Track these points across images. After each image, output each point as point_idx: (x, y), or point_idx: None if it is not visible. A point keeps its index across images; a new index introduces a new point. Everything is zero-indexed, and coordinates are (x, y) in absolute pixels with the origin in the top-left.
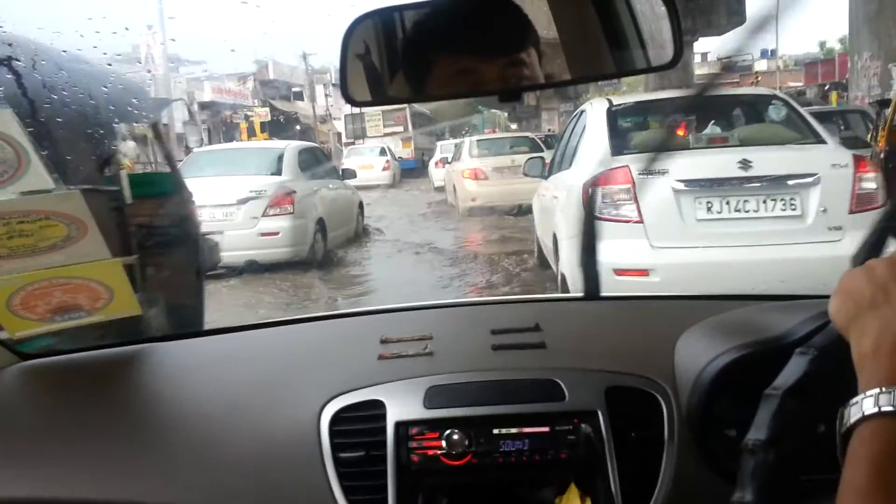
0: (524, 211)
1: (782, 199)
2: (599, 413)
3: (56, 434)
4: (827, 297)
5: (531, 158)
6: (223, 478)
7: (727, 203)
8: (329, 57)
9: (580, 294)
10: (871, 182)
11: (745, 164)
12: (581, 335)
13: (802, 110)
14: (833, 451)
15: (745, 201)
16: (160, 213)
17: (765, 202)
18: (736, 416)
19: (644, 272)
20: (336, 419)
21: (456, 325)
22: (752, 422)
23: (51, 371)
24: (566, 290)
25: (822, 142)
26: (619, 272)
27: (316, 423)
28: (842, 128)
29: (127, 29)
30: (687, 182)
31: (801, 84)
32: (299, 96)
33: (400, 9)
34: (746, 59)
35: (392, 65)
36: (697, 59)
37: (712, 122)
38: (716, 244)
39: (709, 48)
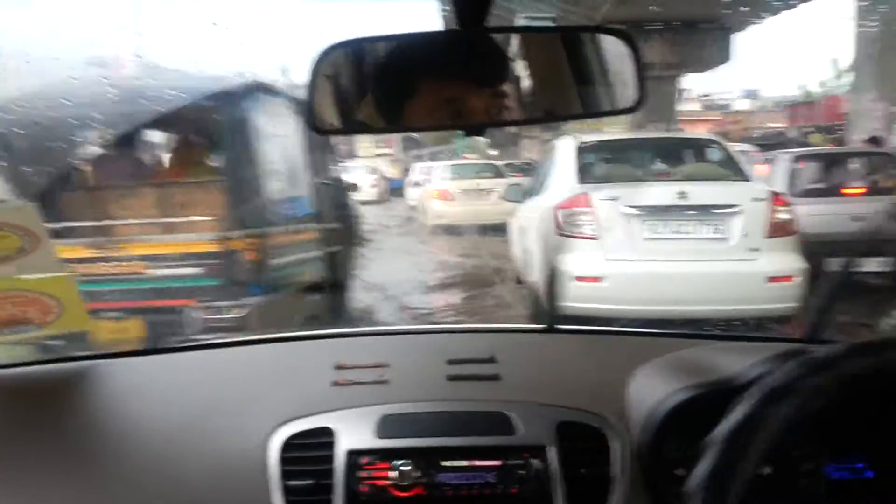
0: (485, 231)
1: (711, 225)
2: (550, 448)
3: None
4: (775, 340)
5: (511, 185)
6: (167, 500)
7: (667, 226)
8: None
9: (539, 326)
10: (786, 213)
11: (683, 194)
12: (536, 368)
13: (734, 153)
14: (780, 491)
15: (682, 225)
16: None
17: (697, 226)
18: (685, 456)
19: (598, 279)
20: (286, 446)
21: (413, 353)
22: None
23: None
24: (536, 301)
25: (747, 179)
26: (579, 279)
27: (265, 449)
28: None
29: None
30: (637, 207)
31: (781, 125)
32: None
33: (375, 39)
34: (727, 97)
35: (365, 94)
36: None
37: (659, 159)
38: (657, 259)
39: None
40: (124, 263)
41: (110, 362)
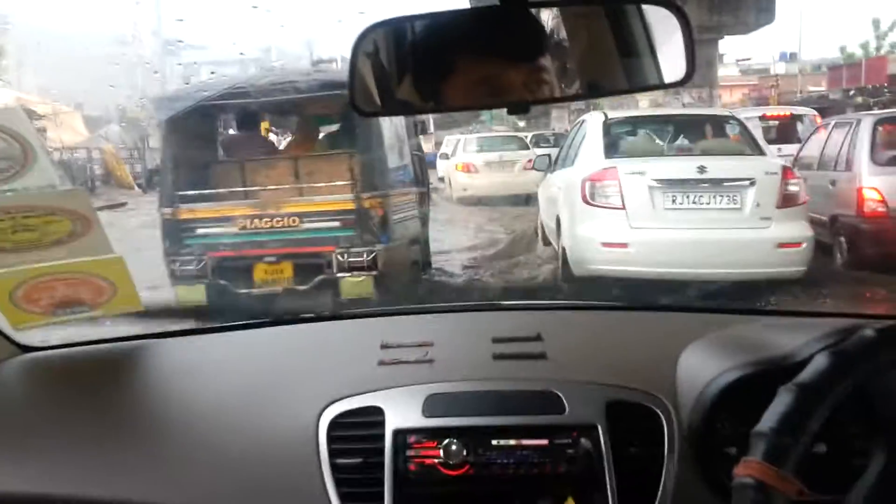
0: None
1: (727, 196)
2: (599, 427)
3: (49, 429)
4: (829, 314)
5: (540, 156)
6: (217, 478)
7: (687, 197)
8: (337, 48)
9: (585, 303)
10: (795, 186)
11: (702, 168)
12: (583, 346)
13: (750, 128)
14: (834, 469)
15: (700, 196)
16: None
17: (714, 197)
18: (737, 435)
19: (624, 245)
20: (334, 424)
21: (457, 332)
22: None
23: (51, 365)
24: (567, 265)
25: (762, 154)
26: (606, 244)
27: (314, 427)
28: None
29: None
30: (659, 181)
31: (822, 89)
32: None
33: (414, 18)
34: (766, 62)
35: (405, 73)
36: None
37: (681, 135)
38: (678, 227)
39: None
40: (281, 219)
41: (161, 342)
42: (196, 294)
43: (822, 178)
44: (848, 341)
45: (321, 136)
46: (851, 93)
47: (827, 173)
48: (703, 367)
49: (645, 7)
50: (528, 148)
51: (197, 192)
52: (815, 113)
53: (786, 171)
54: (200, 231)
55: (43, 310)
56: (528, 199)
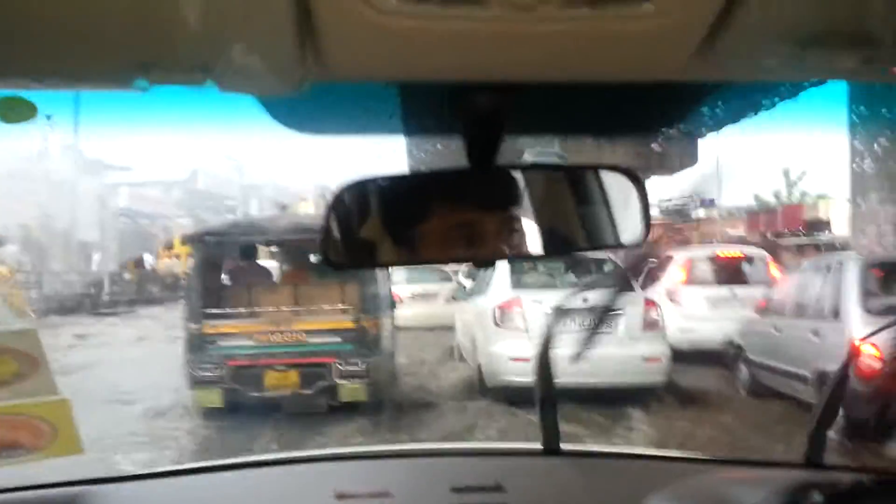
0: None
1: (605, 322)
2: None
3: None
4: (785, 465)
5: (460, 288)
6: None
7: (575, 321)
8: (266, 172)
9: (540, 447)
10: (655, 314)
11: (585, 300)
12: (545, 497)
13: (622, 267)
14: None
15: (585, 321)
16: None
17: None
18: None
19: (528, 359)
20: None
21: (415, 480)
22: None
23: None
24: (482, 377)
25: (631, 289)
26: (513, 359)
27: None
28: None
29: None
30: (554, 308)
31: (740, 232)
32: (231, 210)
33: (389, 178)
34: (684, 203)
35: (378, 229)
36: None
37: (571, 271)
38: (568, 345)
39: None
40: (291, 334)
41: (103, 488)
42: (213, 396)
43: (800, 327)
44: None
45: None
46: (769, 236)
47: (806, 322)
48: None
49: (604, 172)
50: (450, 280)
51: (219, 310)
52: (768, 255)
53: (647, 302)
54: (221, 343)
55: None
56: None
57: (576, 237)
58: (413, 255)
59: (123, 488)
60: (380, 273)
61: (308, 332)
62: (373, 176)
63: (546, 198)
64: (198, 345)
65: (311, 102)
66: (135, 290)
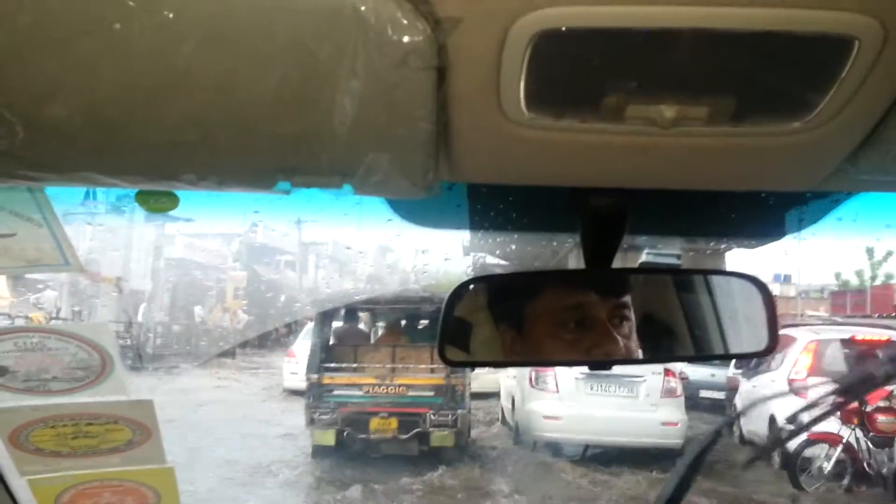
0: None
1: (627, 388)
2: None
3: None
4: None
5: None
6: None
7: (601, 386)
8: (327, 229)
9: None
10: (674, 383)
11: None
12: None
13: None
14: None
15: (609, 386)
16: None
17: (619, 388)
18: None
19: (559, 418)
20: None
21: None
22: None
23: None
24: (518, 432)
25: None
26: (546, 417)
27: None
28: None
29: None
30: (582, 373)
31: (821, 313)
32: (291, 265)
33: (505, 276)
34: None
35: (493, 327)
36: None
37: None
38: (594, 406)
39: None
40: (392, 387)
41: None
42: (328, 437)
43: None
44: None
45: (406, 326)
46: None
47: None
48: None
49: (725, 277)
50: None
51: (335, 364)
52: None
53: (667, 372)
54: (336, 392)
55: None
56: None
57: (702, 342)
58: (527, 349)
59: None
60: None
61: (407, 386)
62: (489, 275)
63: (666, 301)
64: (317, 393)
65: (433, 200)
66: (182, 343)
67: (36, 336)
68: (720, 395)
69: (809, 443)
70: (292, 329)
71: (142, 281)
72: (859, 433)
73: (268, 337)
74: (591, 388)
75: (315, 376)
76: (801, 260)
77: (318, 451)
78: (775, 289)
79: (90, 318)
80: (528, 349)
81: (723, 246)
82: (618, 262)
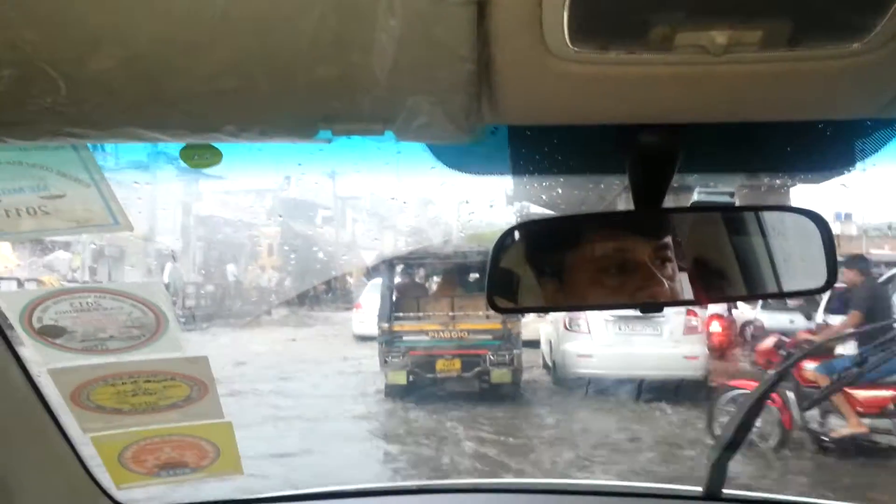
0: None
1: (652, 327)
2: None
3: None
4: None
5: None
6: None
7: (628, 326)
8: (360, 181)
9: (699, 490)
10: (694, 322)
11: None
12: None
13: None
14: None
15: (636, 326)
16: None
17: (644, 327)
18: None
19: (590, 356)
20: None
21: None
22: None
23: None
24: (555, 370)
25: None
26: (578, 356)
27: None
28: None
29: None
30: (612, 316)
31: (889, 252)
32: (328, 220)
33: (551, 220)
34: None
35: (542, 272)
36: None
37: None
38: (622, 344)
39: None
40: (454, 332)
41: None
42: (400, 378)
43: None
44: None
45: (459, 277)
46: None
47: None
48: None
49: (783, 213)
50: None
51: (402, 314)
52: None
53: (688, 311)
54: (405, 338)
55: (147, 470)
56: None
57: (755, 281)
58: (569, 295)
59: None
60: None
61: (468, 331)
62: (536, 218)
63: (719, 238)
64: (389, 339)
65: (473, 145)
66: (215, 304)
67: (91, 296)
68: None
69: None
70: (333, 287)
71: (167, 240)
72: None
73: (316, 295)
74: (619, 329)
75: (386, 325)
76: (862, 196)
77: (391, 390)
78: (836, 227)
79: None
80: (572, 296)
81: (778, 182)
82: (669, 203)
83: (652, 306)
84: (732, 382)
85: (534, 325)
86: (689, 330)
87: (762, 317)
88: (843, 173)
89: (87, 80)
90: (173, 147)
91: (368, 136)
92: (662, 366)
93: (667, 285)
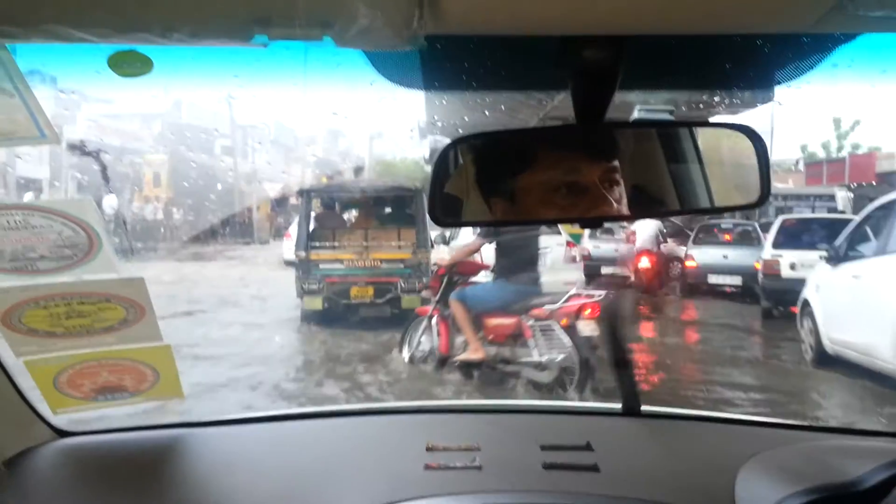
0: None
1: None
2: None
3: None
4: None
5: None
6: None
7: None
8: (266, 109)
9: (618, 408)
10: (573, 252)
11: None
12: (635, 458)
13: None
14: None
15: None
16: None
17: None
18: None
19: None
20: None
21: (504, 436)
22: None
23: (88, 451)
24: None
25: (558, 233)
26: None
27: None
28: None
29: None
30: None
31: (791, 186)
32: (228, 151)
33: (497, 133)
34: None
35: (486, 185)
36: None
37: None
38: None
39: None
40: (368, 261)
41: (202, 431)
42: (316, 303)
43: None
44: None
45: (375, 210)
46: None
47: None
48: (763, 489)
49: (719, 129)
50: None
51: (318, 243)
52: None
53: (568, 244)
54: (321, 266)
55: (84, 395)
56: None
57: (689, 197)
58: (519, 213)
59: (221, 432)
60: (427, 219)
61: (381, 260)
62: (477, 133)
63: (657, 155)
64: (305, 267)
65: (415, 57)
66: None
67: (18, 213)
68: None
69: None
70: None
71: (37, 167)
72: None
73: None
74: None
75: (303, 253)
76: (773, 133)
77: (307, 316)
78: None
79: None
80: (520, 213)
81: (715, 100)
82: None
83: (592, 221)
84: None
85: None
86: (569, 260)
87: (588, 245)
88: (774, 87)
89: None
90: (54, 61)
91: (306, 42)
92: (545, 291)
93: (614, 206)
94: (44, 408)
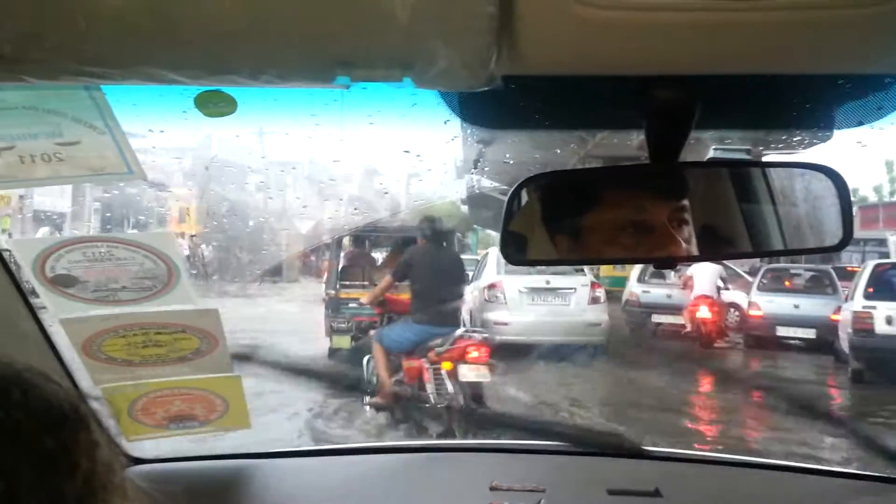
0: None
1: (561, 298)
2: None
3: None
4: None
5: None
6: None
7: (540, 297)
8: (300, 145)
9: (703, 454)
10: (598, 293)
11: (548, 282)
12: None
13: None
14: None
15: (547, 297)
16: None
17: (554, 298)
18: None
19: (507, 324)
20: None
21: (570, 478)
22: None
23: (159, 478)
24: None
25: (584, 273)
26: (496, 323)
27: None
28: None
29: None
30: (526, 287)
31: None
32: (261, 188)
33: (567, 173)
34: None
35: (556, 225)
36: None
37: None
38: (534, 314)
39: None
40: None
41: (270, 462)
42: (344, 342)
43: None
44: None
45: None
46: None
47: None
48: None
49: (799, 170)
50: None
51: (348, 282)
52: None
53: (593, 284)
54: (350, 305)
55: (157, 423)
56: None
57: (762, 238)
58: (583, 251)
59: (286, 464)
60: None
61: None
62: (550, 171)
63: (728, 195)
64: (335, 306)
65: (491, 96)
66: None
67: (104, 245)
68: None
69: None
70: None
71: (59, 202)
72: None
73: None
74: (532, 300)
75: (332, 292)
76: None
77: (334, 353)
78: None
79: None
80: (587, 251)
81: (795, 140)
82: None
83: (664, 262)
84: None
85: None
86: (594, 300)
87: (636, 290)
88: (855, 126)
89: (103, 15)
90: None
91: (387, 83)
92: (570, 331)
93: (683, 246)
94: (119, 436)
